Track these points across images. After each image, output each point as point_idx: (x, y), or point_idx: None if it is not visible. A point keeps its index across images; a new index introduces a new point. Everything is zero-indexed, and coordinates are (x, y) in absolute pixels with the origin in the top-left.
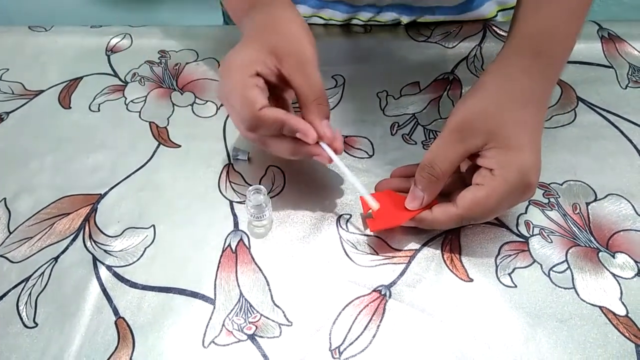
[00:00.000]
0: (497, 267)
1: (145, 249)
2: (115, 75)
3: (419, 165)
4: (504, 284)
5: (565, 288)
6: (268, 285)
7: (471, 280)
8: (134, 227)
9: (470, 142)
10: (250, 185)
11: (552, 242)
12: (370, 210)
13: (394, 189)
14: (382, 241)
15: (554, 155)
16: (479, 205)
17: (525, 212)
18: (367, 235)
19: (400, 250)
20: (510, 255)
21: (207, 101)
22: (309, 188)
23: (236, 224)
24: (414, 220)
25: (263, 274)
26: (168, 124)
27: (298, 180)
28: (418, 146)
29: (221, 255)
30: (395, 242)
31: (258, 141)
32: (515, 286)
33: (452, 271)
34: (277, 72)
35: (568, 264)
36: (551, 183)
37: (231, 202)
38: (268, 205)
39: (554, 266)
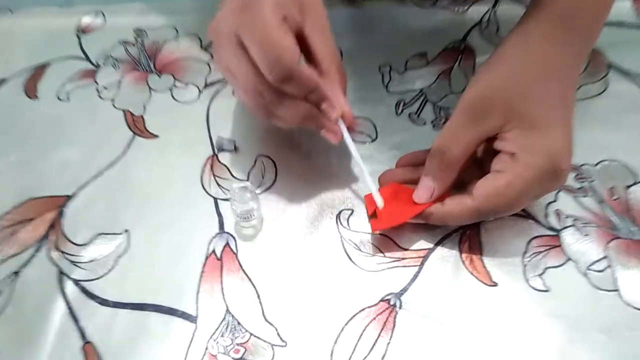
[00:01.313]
0: (525, 267)
1: (118, 258)
2: (86, 58)
3: (430, 153)
4: (534, 288)
5: (606, 290)
6: (258, 297)
7: (495, 284)
8: (106, 233)
9: (487, 122)
10: (236, 180)
11: (588, 235)
12: (375, 210)
13: (400, 181)
14: (390, 240)
15: (584, 132)
16: (498, 196)
17: (555, 200)
18: (372, 234)
19: (410, 251)
20: (539, 253)
21: (188, 83)
22: (305, 180)
23: (221, 225)
24: (423, 215)
25: (252, 284)
26: (144, 112)
27: (292, 171)
28: (427, 126)
29: (204, 263)
30: (404, 240)
31: (269, 97)
32: (547, 290)
33: (472, 274)
34: (297, 26)
35: (609, 260)
36: (583, 164)
37: (216, 200)
38: (257, 203)
39: (591, 264)
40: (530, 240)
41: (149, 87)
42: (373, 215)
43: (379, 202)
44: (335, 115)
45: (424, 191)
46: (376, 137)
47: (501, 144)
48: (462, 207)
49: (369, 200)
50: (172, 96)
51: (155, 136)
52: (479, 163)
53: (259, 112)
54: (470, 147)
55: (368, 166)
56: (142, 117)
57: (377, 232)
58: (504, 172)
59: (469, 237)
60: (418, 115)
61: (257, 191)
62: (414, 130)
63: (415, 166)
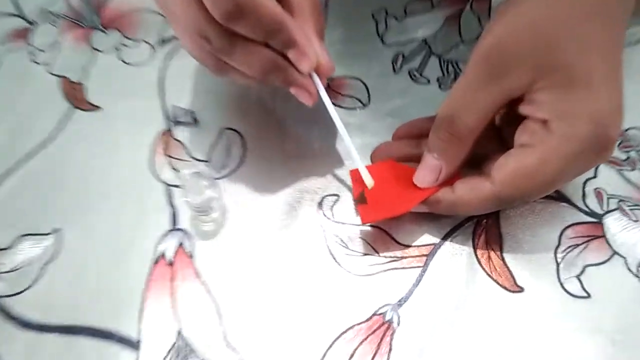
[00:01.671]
0: (558, 266)
1: (45, 265)
2: (20, 15)
3: (435, 121)
4: (570, 293)
5: None
6: (219, 314)
7: (520, 289)
8: (32, 234)
9: (509, 79)
10: (191, 161)
11: (638, 220)
12: (364, 192)
13: (399, 158)
14: (385, 234)
15: (630, 87)
16: (526, 178)
17: (595, 176)
18: (362, 227)
19: (411, 248)
20: (577, 246)
21: (138, 41)
22: (279, 159)
23: (174, 220)
24: (427, 203)
25: (212, 297)
26: (85, 78)
27: (263, 148)
28: (432, 86)
29: (151, 271)
30: (403, 234)
31: (217, 42)
32: (588, 296)
33: (490, 276)
34: None
35: None
36: (629, 129)
37: (168, 187)
38: (217, 191)
39: None
40: (564, 230)
41: (92, 47)
42: (361, 199)
43: (368, 180)
44: (307, 66)
45: (428, 172)
46: (368, 102)
47: (529, 108)
48: (479, 193)
49: (355, 177)
50: (120, 57)
51: (98, 108)
52: (498, 134)
53: (207, 63)
54: (488, 112)
55: (357, 138)
56: (82, 84)
57: (369, 224)
58: (533, 147)
59: (485, 228)
60: (421, 73)
61: (222, 173)
62: (416, 91)
63: (417, 138)
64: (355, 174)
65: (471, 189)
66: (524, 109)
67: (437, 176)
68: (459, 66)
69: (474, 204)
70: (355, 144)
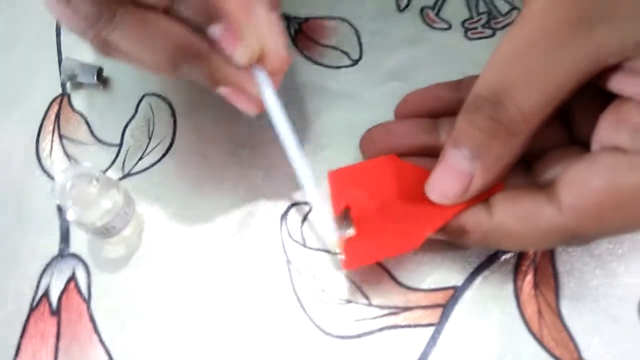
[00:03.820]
0: None
1: None
2: None
3: (469, 98)
4: None
5: None
6: None
7: None
8: None
9: (605, 30)
10: (99, 144)
11: None
12: (348, 210)
13: (403, 151)
14: (381, 270)
15: None
16: (621, 205)
17: None
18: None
19: (420, 292)
20: None
21: None
22: (225, 144)
23: (65, 238)
24: (447, 231)
25: None
26: None
27: (202, 126)
28: (455, 32)
29: (25, 323)
30: (408, 272)
31: (85, 6)
32: None
33: (540, 342)
34: None
35: None
36: None
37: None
38: (124, 198)
39: None
40: None
41: None
42: (344, 222)
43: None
44: (243, 55)
45: (450, 179)
46: (360, 56)
47: (633, 83)
48: (535, 224)
49: (336, 182)
50: None
51: None
52: (565, 123)
53: (86, 37)
54: (562, 89)
55: (342, 113)
56: None
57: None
58: (635, 152)
59: (533, 265)
60: (437, 12)
61: (139, 166)
62: (430, 40)
63: (434, 117)
64: (336, 178)
65: (521, 216)
66: (622, 85)
67: (466, 187)
68: (496, 2)
69: (525, 238)
70: (339, 123)
